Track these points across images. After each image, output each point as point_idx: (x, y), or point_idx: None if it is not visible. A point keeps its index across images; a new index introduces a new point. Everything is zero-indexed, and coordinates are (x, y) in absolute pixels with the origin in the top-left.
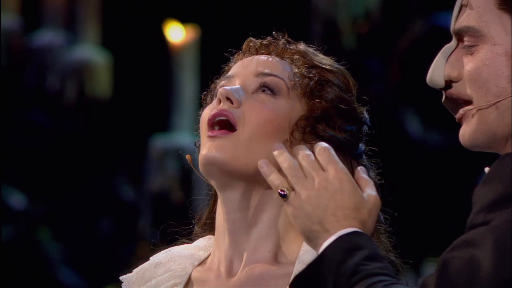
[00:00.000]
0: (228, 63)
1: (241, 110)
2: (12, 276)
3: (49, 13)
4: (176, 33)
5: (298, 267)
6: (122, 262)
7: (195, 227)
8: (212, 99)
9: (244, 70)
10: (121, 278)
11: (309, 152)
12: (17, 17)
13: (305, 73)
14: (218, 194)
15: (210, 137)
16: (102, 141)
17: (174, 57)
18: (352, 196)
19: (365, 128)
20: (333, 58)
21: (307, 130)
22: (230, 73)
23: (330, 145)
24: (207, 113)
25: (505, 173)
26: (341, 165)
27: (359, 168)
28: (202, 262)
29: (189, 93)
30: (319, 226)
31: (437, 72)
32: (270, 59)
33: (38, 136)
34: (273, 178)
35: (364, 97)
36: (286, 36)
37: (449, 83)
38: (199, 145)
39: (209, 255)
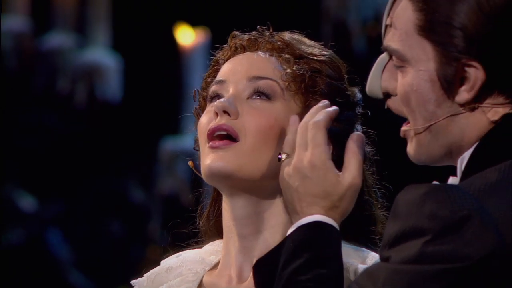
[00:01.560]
0: (215, 57)
1: (240, 121)
2: (22, 279)
3: (59, 15)
4: (186, 35)
5: None
6: (132, 265)
7: (199, 222)
8: (205, 100)
9: (235, 73)
10: (132, 282)
11: (302, 124)
12: (28, 20)
13: (298, 71)
14: (225, 200)
15: (212, 148)
16: (112, 144)
17: (184, 59)
18: (320, 184)
19: (359, 109)
20: (345, 62)
21: None
22: (221, 77)
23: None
24: (204, 122)
25: (404, 209)
26: (320, 148)
27: (353, 135)
28: (214, 267)
29: None
30: (291, 204)
31: (374, 84)
32: (260, 59)
33: (48, 138)
34: (287, 139)
35: (356, 77)
36: (271, 30)
37: (387, 95)
38: (199, 151)
39: (220, 259)
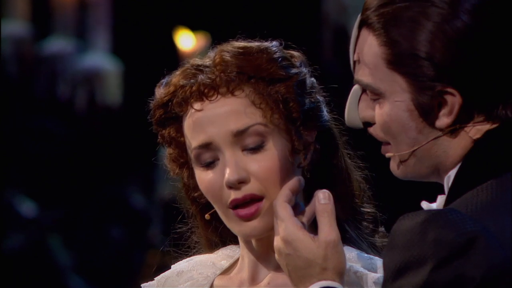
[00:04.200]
0: (159, 101)
1: (254, 181)
2: (22, 284)
3: (59, 21)
4: (186, 40)
5: None
6: (132, 270)
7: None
8: (179, 148)
9: (217, 133)
10: (142, 285)
11: (276, 207)
12: (28, 25)
13: (269, 100)
14: None
15: (244, 217)
16: (113, 149)
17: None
18: (300, 255)
19: (308, 70)
20: (345, 69)
21: (305, 145)
22: (203, 140)
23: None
24: (214, 189)
25: (404, 239)
26: (286, 222)
27: (317, 194)
28: (225, 271)
29: None
30: (292, 281)
31: (352, 115)
32: (230, 105)
33: (49, 143)
34: None
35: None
36: (218, 59)
37: (367, 124)
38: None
39: (231, 264)
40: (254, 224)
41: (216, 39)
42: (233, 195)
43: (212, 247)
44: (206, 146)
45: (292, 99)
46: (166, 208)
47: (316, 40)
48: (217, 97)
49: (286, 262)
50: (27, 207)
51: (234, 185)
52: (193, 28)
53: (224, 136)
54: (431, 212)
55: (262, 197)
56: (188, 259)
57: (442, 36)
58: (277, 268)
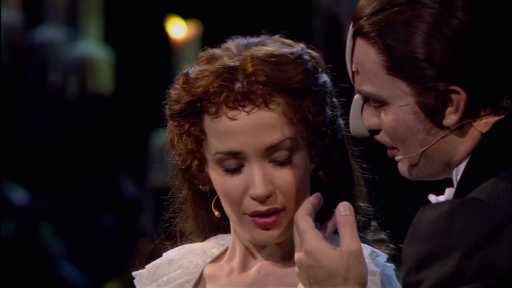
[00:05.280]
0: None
1: (279, 194)
2: (14, 272)
3: (50, 9)
4: (178, 28)
5: None
6: (124, 258)
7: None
8: (197, 146)
9: (248, 144)
10: (133, 273)
11: (297, 220)
12: (19, 13)
13: (301, 115)
14: None
15: (263, 226)
16: (104, 137)
17: (176, 52)
18: (322, 266)
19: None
20: (336, 57)
21: (324, 156)
22: (232, 147)
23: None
24: (235, 193)
25: (428, 229)
26: (307, 234)
27: (338, 208)
28: (215, 259)
29: None
30: None
31: (356, 125)
32: (264, 118)
33: (40, 131)
34: None
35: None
36: (251, 68)
37: (373, 131)
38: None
39: (222, 252)
40: (270, 232)
41: (208, 27)
42: (257, 207)
43: (200, 228)
44: (234, 154)
45: (319, 112)
46: (157, 196)
47: (307, 29)
48: (253, 108)
49: (308, 274)
50: (18, 196)
51: (262, 200)
52: (185, 16)
53: (256, 148)
54: (455, 201)
55: (283, 209)
56: (179, 247)
57: (439, 36)
58: (268, 257)
